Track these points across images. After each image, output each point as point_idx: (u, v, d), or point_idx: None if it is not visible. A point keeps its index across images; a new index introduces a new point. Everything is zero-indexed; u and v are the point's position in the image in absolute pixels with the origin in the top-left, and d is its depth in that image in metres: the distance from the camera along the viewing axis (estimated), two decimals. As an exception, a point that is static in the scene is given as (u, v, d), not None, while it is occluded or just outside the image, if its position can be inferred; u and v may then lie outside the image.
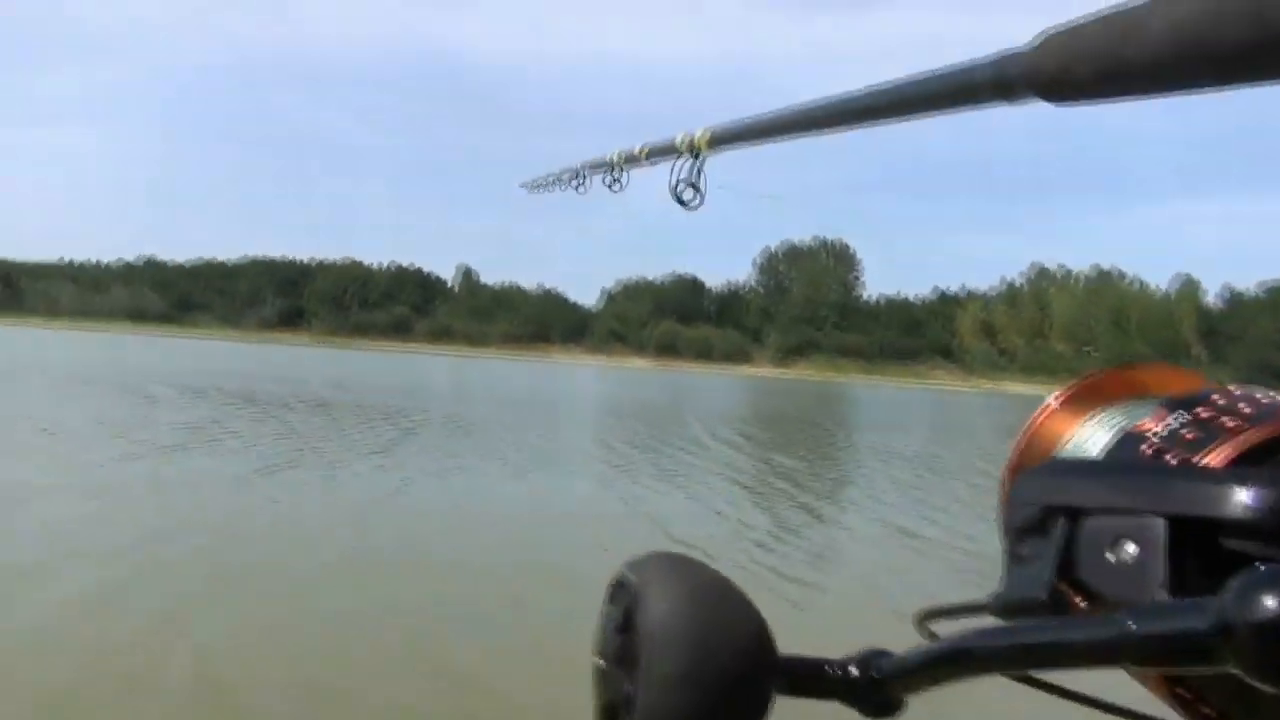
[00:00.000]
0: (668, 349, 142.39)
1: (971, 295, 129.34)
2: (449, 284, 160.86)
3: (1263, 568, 0.29)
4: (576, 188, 1.90)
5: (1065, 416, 0.46)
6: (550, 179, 2.21)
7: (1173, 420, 0.40)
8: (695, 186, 1.07)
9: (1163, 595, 0.34)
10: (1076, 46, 0.34)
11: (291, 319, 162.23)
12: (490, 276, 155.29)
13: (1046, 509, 0.39)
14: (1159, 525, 0.35)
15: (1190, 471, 0.37)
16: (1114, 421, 0.43)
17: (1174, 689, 0.36)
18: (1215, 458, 0.37)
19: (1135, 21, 0.31)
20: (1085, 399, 0.46)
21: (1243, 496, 0.34)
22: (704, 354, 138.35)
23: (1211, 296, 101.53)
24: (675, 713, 0.34)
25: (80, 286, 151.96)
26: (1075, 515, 0.38)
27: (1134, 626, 0.30)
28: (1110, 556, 0.37)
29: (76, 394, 19.75)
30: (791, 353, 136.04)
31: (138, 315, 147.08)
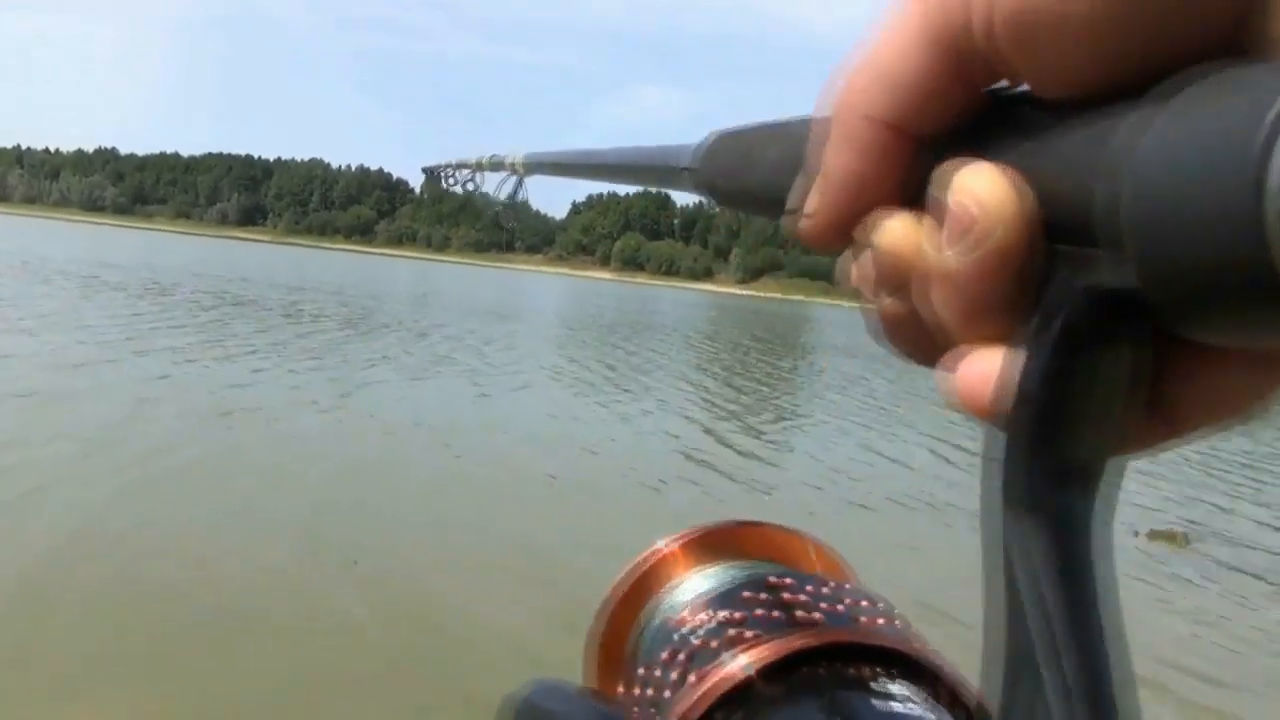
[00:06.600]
0: (630, 263, 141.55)
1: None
2: (414, 188, 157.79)
3: None
4: (460, 186, 2.02)
5: (645, 582, 0.42)
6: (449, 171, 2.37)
7: (702, 618, 0.38)
8: (513, 204, 1.09)
9: None
10: (719, 162, 0.35)
11: (252, 216, 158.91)
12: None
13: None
14: None
15: None
16: (678, 597, 0.41)
17: None
18: (703, 688, 0.34)
19: (751, 154, 0.33)
20: (678, 561, 0.42)
21: None
22: (668, 269, 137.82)
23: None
24: None
25: (31, 172, 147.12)
26: None
27: None
28: None
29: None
30: (755, 272, 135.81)
31: (91, 205, 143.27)
